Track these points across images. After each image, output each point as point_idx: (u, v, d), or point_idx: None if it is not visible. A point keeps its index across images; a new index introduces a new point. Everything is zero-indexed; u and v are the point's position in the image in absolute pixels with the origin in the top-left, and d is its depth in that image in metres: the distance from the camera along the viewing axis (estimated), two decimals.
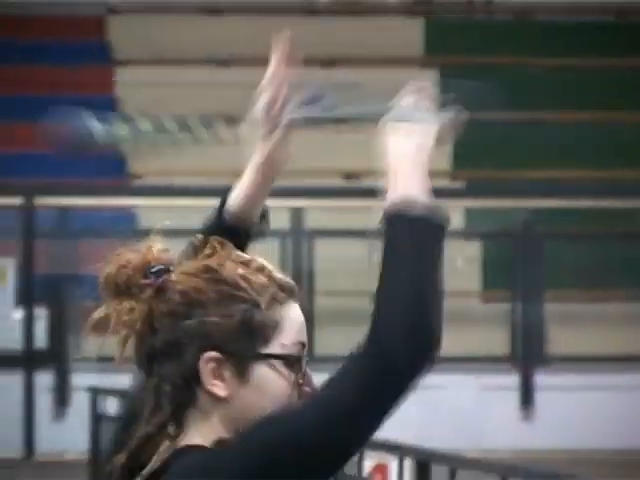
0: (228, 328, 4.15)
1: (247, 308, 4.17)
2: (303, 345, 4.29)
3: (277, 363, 4.21)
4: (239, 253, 4.35)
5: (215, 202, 15.00)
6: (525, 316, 22.41)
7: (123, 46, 27.53)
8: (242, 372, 4.12)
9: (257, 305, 4.19)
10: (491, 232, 24.57)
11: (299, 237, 22.04)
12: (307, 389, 4.35)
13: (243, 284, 4.21)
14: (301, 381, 4.27)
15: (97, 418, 18.39)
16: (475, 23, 28.60)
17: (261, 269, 4.29)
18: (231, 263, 4.23)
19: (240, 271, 4.22)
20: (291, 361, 4.26)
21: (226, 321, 4.13)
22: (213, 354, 4.03)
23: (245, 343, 4.18)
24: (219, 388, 4.05)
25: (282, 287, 4.31)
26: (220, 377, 4.04)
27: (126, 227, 23.22)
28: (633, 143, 25.29)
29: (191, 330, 4.08)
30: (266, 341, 4.18)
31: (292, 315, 4.28)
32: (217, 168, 21.76)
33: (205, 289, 4.11)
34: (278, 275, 4.30)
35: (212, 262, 4.18)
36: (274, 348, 4.19)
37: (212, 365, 4.01)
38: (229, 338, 4.13)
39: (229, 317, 4.13)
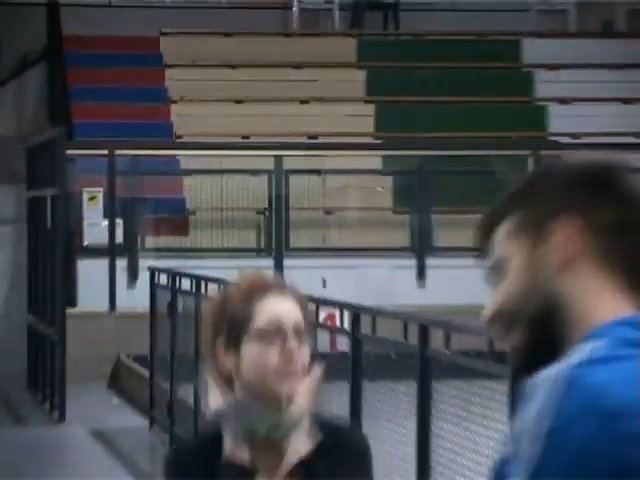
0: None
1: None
2: (277, 326, 4.46)
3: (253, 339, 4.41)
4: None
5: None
6: (420, 222, 21.67)
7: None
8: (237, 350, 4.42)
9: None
10: (399, 170, 22.97)
11: (279, 174, 20.69)
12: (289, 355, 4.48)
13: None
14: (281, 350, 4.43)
15: (154, 287, 17.97)
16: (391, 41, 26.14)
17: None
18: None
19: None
20: (261, 335, 4.43)
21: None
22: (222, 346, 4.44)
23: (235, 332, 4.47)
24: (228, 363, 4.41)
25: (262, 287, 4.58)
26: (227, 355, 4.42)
27: (171, 168, 22.32)
28: (493, 117, 23.11)
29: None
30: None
31: (266, 306, 4.47)
32: (231, 132, 22.45)
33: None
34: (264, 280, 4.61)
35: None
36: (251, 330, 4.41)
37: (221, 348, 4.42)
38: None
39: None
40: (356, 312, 11.41)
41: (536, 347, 2.64)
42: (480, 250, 2.75)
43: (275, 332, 4.39)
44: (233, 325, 4.44)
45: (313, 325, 5.18)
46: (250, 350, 4.38)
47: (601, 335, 2.52)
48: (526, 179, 2.78)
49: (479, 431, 9.02)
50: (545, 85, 24.02)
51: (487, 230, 2.73)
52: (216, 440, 4.50)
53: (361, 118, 22.98)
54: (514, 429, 2.65)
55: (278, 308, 4.47)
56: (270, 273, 4.96)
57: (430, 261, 22.43)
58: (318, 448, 4.46)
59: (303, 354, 4.44)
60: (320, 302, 12.38)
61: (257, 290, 4.48)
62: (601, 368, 2.47)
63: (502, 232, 2.70)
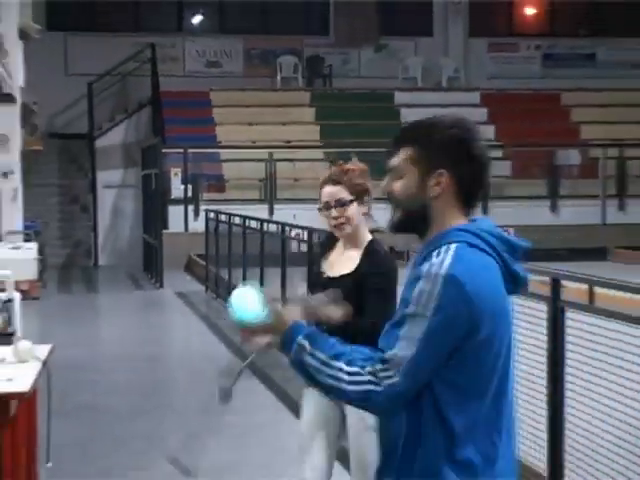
0: None
1: None
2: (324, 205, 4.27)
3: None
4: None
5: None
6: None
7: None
8: None
9: None
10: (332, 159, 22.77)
11: (271, 162, 20.99)
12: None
13: None
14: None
15: (207, 219, 17.49)
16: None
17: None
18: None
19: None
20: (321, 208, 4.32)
21: None
22: None
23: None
24: None
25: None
26: None
27: (215, 158, 22.13)
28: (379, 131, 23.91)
29: None
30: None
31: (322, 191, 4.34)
32: (246, 139, 22.52)
33: None
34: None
35: None
36: None
37: None
38: None
39: None
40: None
41: (406, 225, 2.72)
42: (389, 153, 2.72)
43: (325, 206, 4.36)
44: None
45: (364, 191, 4.28)
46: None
47: (453, 237, 2.62)
48: (429, 125, 2.73)
49: None
50: (407, 116, 23.13)
51: (396, 145, 2.73)
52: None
53: (312, 133, 23.13)
54: (403, 296, 2.63)
55: (326, 191, 4.39)
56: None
57: None
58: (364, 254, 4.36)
59: (347, 212, 4.31)
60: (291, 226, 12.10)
61: (322, 182, 4.43)
62: (460, 267, 2.56)
63: (404, 153, 2.71)
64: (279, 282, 11.30)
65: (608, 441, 4.73)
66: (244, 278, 13.70)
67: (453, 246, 2.61)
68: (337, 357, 2.61)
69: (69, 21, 24.91)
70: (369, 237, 4.41)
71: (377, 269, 4.30)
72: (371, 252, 4.36)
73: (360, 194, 4.34)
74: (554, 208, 21.46)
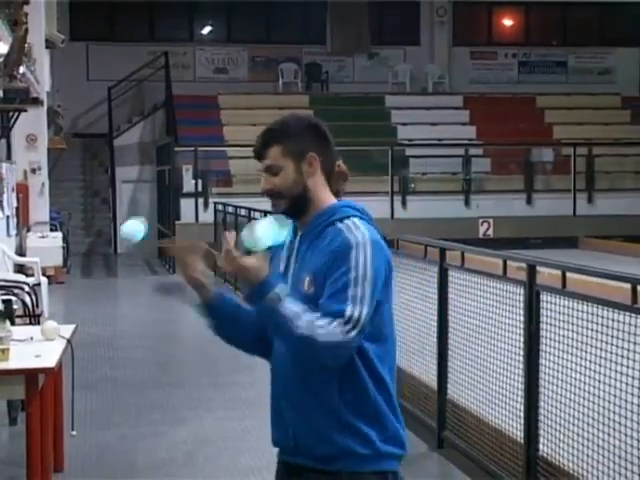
0: None
1: None
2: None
3: None
4: None
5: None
6: None
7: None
8: None
9: None
10: None
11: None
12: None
13: None
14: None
15: (216, 211, 18.00)
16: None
17: None
18: None
19: None
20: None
21: None
22: None
23: None
24: None
25: None
26: None
27: (223, 155, 21.94)
28: (371, 131, 23.12)
29: None
30: None
31: None
32: (250, 139, 24.24)
33: None
34: None
35: None
36: None
37: None
38: None
39: None
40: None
41: (293, 211, 2.77)
42: (259, 158, 2.77)
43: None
44: None
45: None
46: None
47: (349, 213, 2.73)
48: (283, 123, 2.81)
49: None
50: (397, 118, 23.75)
51: (263, 148, 2.77)
52: None
53: None
54: (315, 266, 2.67)
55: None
56: None
57: None
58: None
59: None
60: None
61: None
62: (374, 235, 2.70)
63: (275, 151, 2.76)
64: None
65: (579, 411, 4.77)
66: None
67: (357, 220, 2.72)
68: (307, 311, 2.62)
69: (90, 32, 24.97)
70: None
71: None
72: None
73: (336, 194, 4.34)
74: (529, 201, 21.42)
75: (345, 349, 2.62)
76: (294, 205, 2.78)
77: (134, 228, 3.01)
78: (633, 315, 4.28)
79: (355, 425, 2.72)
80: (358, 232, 2.70)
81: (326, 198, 2.80)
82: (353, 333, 2.61)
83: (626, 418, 4.35)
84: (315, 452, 2.74)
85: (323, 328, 2.59)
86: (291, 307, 2.61)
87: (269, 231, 2.71)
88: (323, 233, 2.73)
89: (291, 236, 2.82)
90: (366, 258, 2.65)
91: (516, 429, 5.42)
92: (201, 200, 20.61)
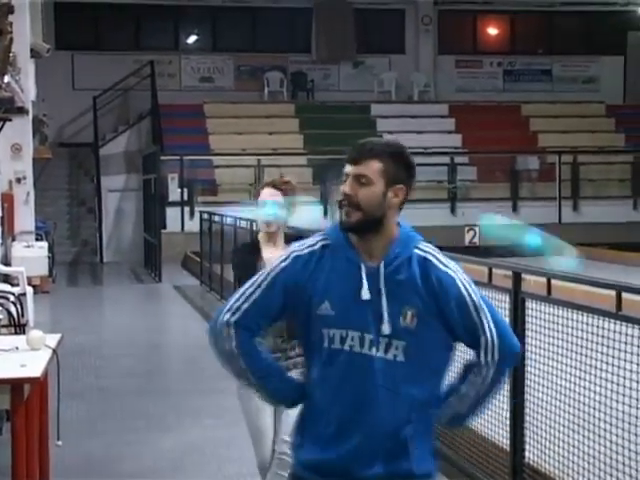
0: None
1: None
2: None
3: None
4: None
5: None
6: (324, 190, 20.15)
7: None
8: None
9: None
10: (314, 164, 21.68)
11: (259, 167, 20.67)
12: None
13: None
14: None
15: (201, 220, 17.61)
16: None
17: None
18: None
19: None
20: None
21: None
22: None
23: None
24: None
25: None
26: None
27: (209, 164, 22.07)
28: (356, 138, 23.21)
29: None
30: None
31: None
32: (236, 147, 22.42)
33: None
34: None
35: None
36: None
37: None
38: None
39: None
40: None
41: (363, 227, 2.72)
42: (354, 161, 2.71)
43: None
44: None
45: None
46: None
47: (419, 237, 2.79)
48: (398, 146, 2.82)
49: None
50: (382, 126, 23.80)
51: (362, 155, 2.72)
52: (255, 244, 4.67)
53: (297, 141, 23.04)
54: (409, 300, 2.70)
55: (266, 192, 4.61)
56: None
57: None
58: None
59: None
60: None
61: (265, 184, 4.66)
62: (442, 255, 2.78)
63: (376, 165, 2.72)
64: None
65: (564, 418, 4.76)
66: None
67: (431, 246, 2.81)
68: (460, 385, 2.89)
69: (76, 41, 24.89)
70: (284, 233, 4.67)
71: None
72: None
73: (291, 206, 4.58)
74: (515, 208, 21.56)
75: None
76: (366, 222, 2.74)
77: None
78: (618, 322, 4.28)
79: None
80: (449, 263, 2.80)
81: (394, 230, 2.79)
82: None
83: (611, 425, 4.35)
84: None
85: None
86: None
87: None
88: (405, 264, 2.75)
89: (353, 259, 2.77)
90: (473, 286, 2.81)
91: (502, 436, 5.40)
92: (187, 209, 20.79)
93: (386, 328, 2.68)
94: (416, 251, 2.75)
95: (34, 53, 16.68)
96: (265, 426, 4.54)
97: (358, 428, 2.70)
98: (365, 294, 2.69)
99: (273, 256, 4.34)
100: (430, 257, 2.75)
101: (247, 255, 4.68)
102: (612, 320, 4.35)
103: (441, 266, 2.74)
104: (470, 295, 2.73)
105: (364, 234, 2.75)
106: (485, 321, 2.72)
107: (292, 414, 4.13)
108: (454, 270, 2.75)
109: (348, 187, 2.72)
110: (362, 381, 2.70)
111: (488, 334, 2.72)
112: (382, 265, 2.74)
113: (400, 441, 2.71)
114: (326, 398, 2.74)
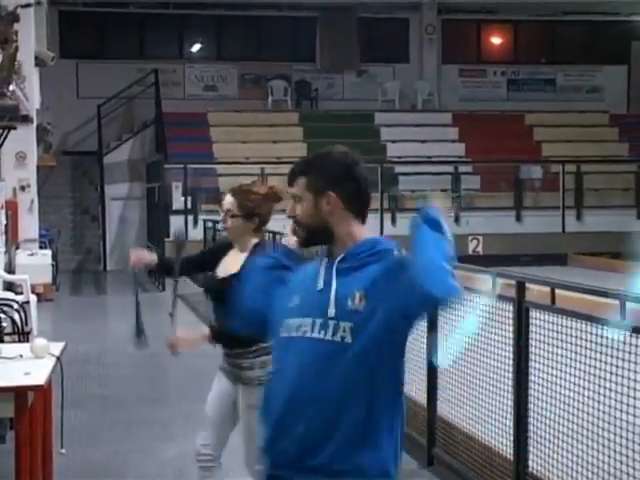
0: None
1: None
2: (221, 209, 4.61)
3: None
4: None
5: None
6: None
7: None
8: None
9: None
10: None
11: (262, 176, 20.22)
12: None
13: None
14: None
15: (205, 228, 18.21)
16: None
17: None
18: None
19: None
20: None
21: None
22: None
23: None
24: None
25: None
26: None
27: (212, 172, 21.99)
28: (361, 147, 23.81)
29: None
30: None
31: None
32: (240, 155, 22.35)
33: None
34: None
35: None
36: None
37: None
38: None
39: None
40: None
41: (310, 240, 2.91)
42: (289, 184, 2.89)
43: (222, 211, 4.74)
44: None
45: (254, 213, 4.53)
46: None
47: (388, 246, 2.84)
48: (315, 157, 2.93)
49: None
50: (386, 135, 23.91)
51: (293, 176, 2.89)
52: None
53: (300, 150, 22.25)
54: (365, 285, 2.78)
55: (226, 200, 4.72)
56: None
57: None
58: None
59: (229, 223, 4.66)
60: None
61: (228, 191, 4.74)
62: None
63: (301, 182, 2.88)
64: None
65: (568, 428, 4.75)
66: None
67: (396, 253, 2.85)
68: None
69: (80, 49, 24.91)
70: (255, 241, 4.66)
71: None
72: (256, 252, 4.52)
73: (249, 214, 4.59)
74: (519, 218, 21.50)
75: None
76: (311, 236, 2.91)
77: None
78: (622, 332, 4.30)
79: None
80: (398, 256, 2.86)
81: (358, 232, 2.89)
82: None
83: (615, 434, 4.35)
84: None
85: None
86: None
87: None
88: (367, 264, 2.83)
89: (320, 258, 2.93)
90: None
91: (506, 445, 5.40)
92: (190, 217, 20.66)
93: (332, 311, 2.80)
94: (377, 249, 2.85)
95: (39, 61, 16.75)
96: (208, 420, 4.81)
97: (304, 413, 2.78)
98: (320, 284, 2.86)
99: (229, 260, 4.63)
100: (389, 252, 2.84)
101: (215, 252, 4.84)
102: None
103: (394, 254, 2.83)
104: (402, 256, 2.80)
105: (321, 244, 2.93)
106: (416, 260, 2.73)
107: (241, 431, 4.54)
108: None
109: (289, 209, 2.93)
110: (310, 363, 2.81)
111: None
112: (338, 258, 2.89)
113: (348, 427, 2.76)
114: (279, 384, 2.86)
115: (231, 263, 4.62)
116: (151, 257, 5.01)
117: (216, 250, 4.90)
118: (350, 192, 2.87)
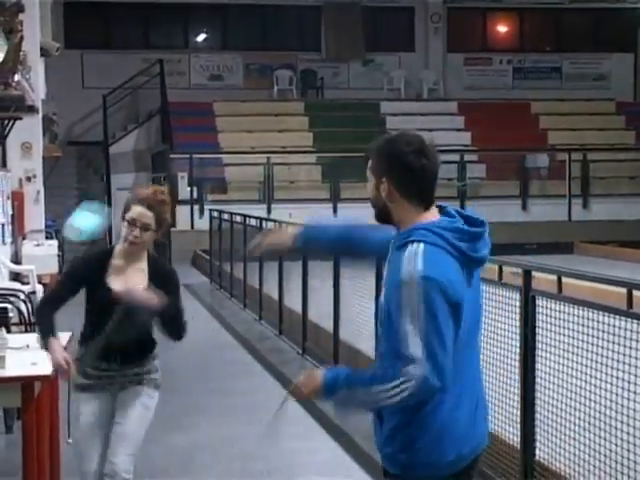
0: None
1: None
2: (130, 220, 4.33)
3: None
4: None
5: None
6: (333, 187, 20.28)
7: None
8: None
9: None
10: (324, 163, 21.57)
11: (269, 165, 20.75)
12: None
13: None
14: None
15: (211, 218, 17.78)
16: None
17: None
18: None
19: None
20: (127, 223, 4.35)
21: None
22: None
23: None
24: None
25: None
26: None
27: (218, 162, 21.96)
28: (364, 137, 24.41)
29: None
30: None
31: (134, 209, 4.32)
32: (246, 145, 22.35)
33: None
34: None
35: None
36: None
37: None
38: None
39: None
40: None
41: (379, 218, 2.94)
42: (366, 160, 2.92)
43: (132, 222, 4.42)
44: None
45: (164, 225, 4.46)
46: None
47: (419, 237, 2.80)
48: (383, 140, 2.93)
49: None
50: (392, 124, 23.56)
51: (367, 155, 2.92)
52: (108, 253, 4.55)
53: (306, 139, 22.94)
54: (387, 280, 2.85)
55: (137, 210, 4.41)
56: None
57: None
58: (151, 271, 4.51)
59: (145, 237, 4.42)
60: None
61: (137, 200, 4.43)
62: (429, 269, 2.75)
63: (370, 163, 2.92)
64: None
65: (575, 416, 4.74)
66: (244, 272, 13.74)
67: (421, 248, 2.79)
68: (371, 383, 2.79)
69: (85, 39, 24.96)
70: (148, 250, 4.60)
71: (170, 271, 4.67)
72: (155, 260, 4.58)
73: (161, 225, 4.47)
74: (525, 206, 21.55)
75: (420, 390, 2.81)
76: (378, 214, 2.98)
77: (87, 220, 2.86)
78: (629, 320, 4.26)
79: None
80: (411, 264, 2.80)
81: (412, 215, 2.91)
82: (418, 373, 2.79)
83: (622, 422, 4.34)
84: None
85: (392, 391, 2.76)
86: (357, 394, 2.81)
87: (84, 219, 2.74)
88: (403, 248, 2.85)
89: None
90: (415, 296, 2.79)
91: (512, 434, 5.39)
92: (196, 207, 20.69)
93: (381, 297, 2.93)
94: (409, 246, 2.83)
95: (44, 52, 16.74)
96: (94, 443, 4.52)
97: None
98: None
99: (128, 273, 4.49)
100: (407, 248, 2.82)
101: (94, 263, 4.61)
102: (623, 318, 4.32)
103: (405, 255, 2.81)
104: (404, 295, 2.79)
105: (387, 223, 2.98)
106: (414, 331, 2.74)
107: (122, 431, 4.46)
108: (410, 268, 2.78)
109: (367, 185, 2.98)
110: None
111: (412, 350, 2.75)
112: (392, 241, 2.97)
113: None
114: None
115: (128, 275, 4.50)
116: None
117: (89, 268, 4.65)
118: (404, 180, 2.88)
